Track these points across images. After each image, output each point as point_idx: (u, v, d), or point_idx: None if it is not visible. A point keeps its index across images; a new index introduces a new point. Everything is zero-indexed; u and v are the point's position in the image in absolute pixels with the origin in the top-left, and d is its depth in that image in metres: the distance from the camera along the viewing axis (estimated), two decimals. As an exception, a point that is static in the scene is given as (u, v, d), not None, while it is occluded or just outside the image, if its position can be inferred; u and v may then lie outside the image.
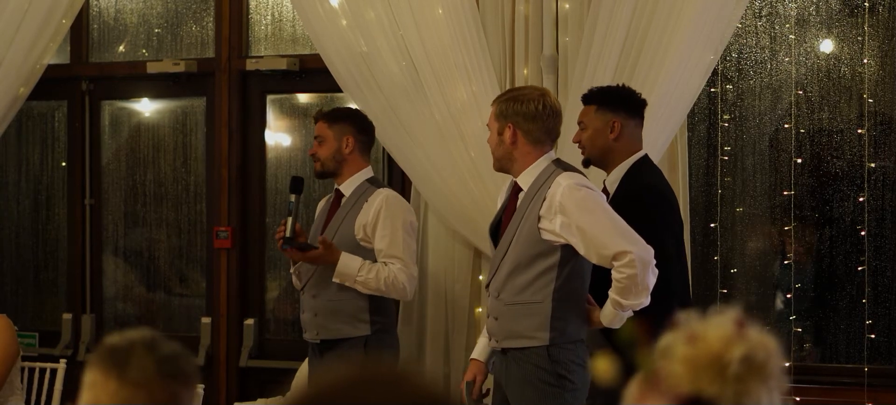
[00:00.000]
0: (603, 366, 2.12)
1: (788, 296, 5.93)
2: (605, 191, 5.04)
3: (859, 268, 5.88)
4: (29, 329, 7.07)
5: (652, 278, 4.63)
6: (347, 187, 5.57)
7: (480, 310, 6.07)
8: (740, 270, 6.11)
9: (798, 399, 5.77)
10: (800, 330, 5.96)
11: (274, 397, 6.13)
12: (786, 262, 5.97)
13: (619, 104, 5.10)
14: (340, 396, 1.68)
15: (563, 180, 4.70)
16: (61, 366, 6.00)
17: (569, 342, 4.74)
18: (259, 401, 6.17)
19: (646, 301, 4.65)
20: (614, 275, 4.64)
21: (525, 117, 4.78)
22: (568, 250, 4.71)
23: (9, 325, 5.71)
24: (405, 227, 5.43)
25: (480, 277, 6.06)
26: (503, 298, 4.82)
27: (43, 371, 6.02)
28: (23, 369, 5.88)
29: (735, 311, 2.05)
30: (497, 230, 4.96)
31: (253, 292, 6.93)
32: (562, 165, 4.81)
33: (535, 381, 4.74)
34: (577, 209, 4.64)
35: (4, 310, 6.63)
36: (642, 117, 5.18)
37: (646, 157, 5.15)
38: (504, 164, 4.88)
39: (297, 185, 5.62)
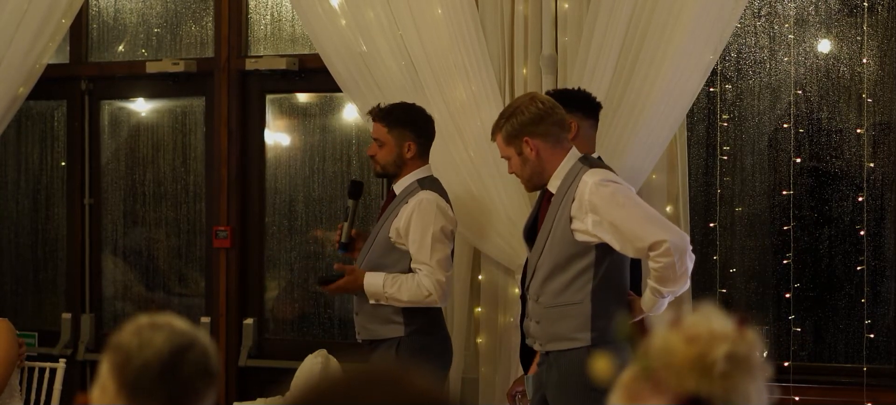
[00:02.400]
0: (602, 365, 2.13)
1: (787, 295, 5.94)
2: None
3: (858, 268, 5.88)
4: (28, 328, 7.06)
5: (689, 263, 4.66)
6: (399, 187, 5.50)
7: (480, 309, 6.07)
8: (739, 270, 6.11)
9: (797, 398, 5.77)
10: (799, 329, 5.96)
11: (273, 397, 6.13)
12: (785, 262, 5.97)
13: (576, 106, 5.19)
14: (340, 396, 1.68)
15: (589, 178, 4.68)
16: (61, 365, 5.99)
17: (611, 341, 4.67)
18: (258, 400, 6.17)
19: (685, 286, 4.70)
20: (651, 264, 4.64)
21: (534, 124, 4.75)
22: (603, 248, 4.70)
23: (10, 329, 5.71)
24: (435, 233, 5.32)
25: (480, 277, 6.06)
26: (543, 302, 4.80)
27: (42, 370, 6.02)
28: (22, 369, 5.89)
29: (711, 307, 2.06)
30: (531, 233, 4.94)
31: (252, 292, 6.93)
32: (587, 161, 4.80)
33: (576, 384, 4.69)
34: (607, 205, 4.63)
35: (4, 309, 6.64)
36: (597, 119, 5.30)
37: (599, 159, 5.25)
38: (537, 181, 4.83)
39: (356, 189, 5.65)
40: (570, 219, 4.70)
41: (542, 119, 4.75)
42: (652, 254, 4.61)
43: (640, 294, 4.87)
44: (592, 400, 4.62)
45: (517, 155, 4.79)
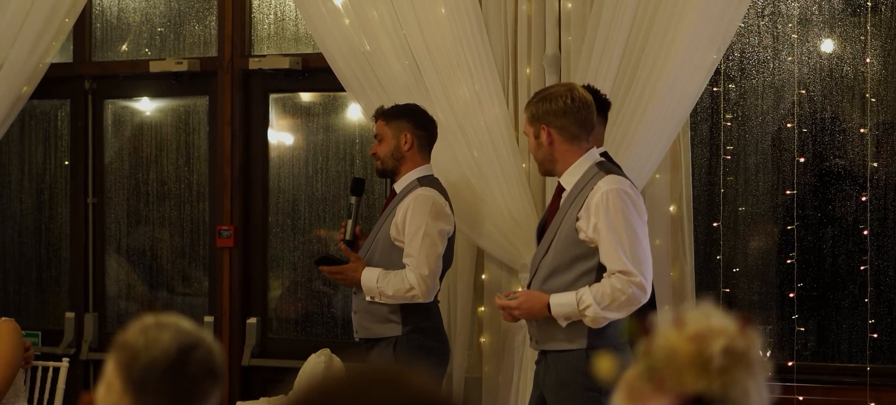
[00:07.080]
0: (606, 365, 2.13)
1: (791, 295, 5.93)
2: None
3: (862, 268, 5.87)
4: (31, 328, 7.06)
5: (622, 312, 4.62)
6: (400, 185, 5.51)
7: (483, 309, 6.07)
8: (743, 269, 6.11)
9: (801, 398, 5.77)
10: (802, 329, 5.96)
11: (276, 396, 6.13)
12: (788, 262, 5.97)
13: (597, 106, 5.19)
14: (342, 395, 1.68)
15: (605, 184, 4.69)
16: (64, 365, 5.99)
17: (608, 346, 4.67)
18: (261, 400, 6.18)
19: (602, 322, 4.64)
20: (605, 276, 4.64)
21: (556, 115, 4.77)
22: None
23: (15, 330, 5.70)
24: (427, 228, 5.33)
25: (483, 276, 6.06)
26: None
27: (45, 370, 6.02)
28: (26, 369, 5.89)
29: (711, 306, 2.06)
30: (543, 231, 4.94)
31: (255, 291, 6.93)
32: (605, 167, 4.80)
33: (573, 385, 4.70)
34: (607, 213, 4.64)
35: (7, 308, 6.64)
36: (606, 117, 5.31)
37: (606, 154, 5.26)
38: (547, 167, 4.88)
39: (357, 186, 5.66)
40: (577, 219, 4.71)
41: (565, 113, 4.77)
42: (615, 274, 4.61)
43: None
44: (590, 400, 4.65)
45: (534, 137, 4.84)
